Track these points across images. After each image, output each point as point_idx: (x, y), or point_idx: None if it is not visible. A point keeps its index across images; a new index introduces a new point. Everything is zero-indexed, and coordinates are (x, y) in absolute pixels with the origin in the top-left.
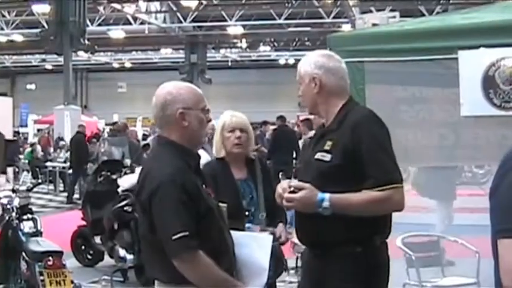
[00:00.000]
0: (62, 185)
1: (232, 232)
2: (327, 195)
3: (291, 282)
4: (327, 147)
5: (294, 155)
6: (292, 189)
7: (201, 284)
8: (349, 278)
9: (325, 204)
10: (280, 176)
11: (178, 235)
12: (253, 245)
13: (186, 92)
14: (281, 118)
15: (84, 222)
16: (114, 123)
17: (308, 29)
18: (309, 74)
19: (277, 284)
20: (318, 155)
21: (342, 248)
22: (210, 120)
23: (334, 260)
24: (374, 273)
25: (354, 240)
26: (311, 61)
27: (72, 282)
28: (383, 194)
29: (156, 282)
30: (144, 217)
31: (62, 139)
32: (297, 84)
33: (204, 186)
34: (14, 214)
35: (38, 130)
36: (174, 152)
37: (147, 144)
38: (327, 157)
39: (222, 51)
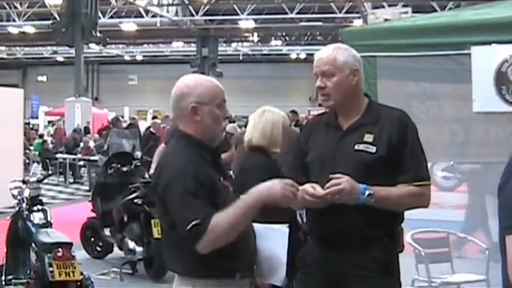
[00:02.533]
0: (72, 176)
1: (254, 225)
2: (366, 186)
3: None
4: (368, 139)
5: None
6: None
7: (230, 238)
8: (377, 266)
9: (368, 191)
10: None
11: (191, 224)
12: (273, 238)
13: (204, 87)
14: (294, 112)
15: (93, 214)
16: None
17: (320, 23)
18: (350, 65)
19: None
20: (361, 147)
21: (371, 239)
22: (228, 117)
23: (361, 251)
24: (397, 258)
25: (384, 232)
26: (350, 53)
27: (81, 273)
28: (419, 189)
29: (175, 275)
30: (162, 210)
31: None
32: (316, 76)
33: (223, 179)
34: (24, 205)
35: (49, 122)
36: (188, 145)
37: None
38: (372, 149)
39: (234, 44)
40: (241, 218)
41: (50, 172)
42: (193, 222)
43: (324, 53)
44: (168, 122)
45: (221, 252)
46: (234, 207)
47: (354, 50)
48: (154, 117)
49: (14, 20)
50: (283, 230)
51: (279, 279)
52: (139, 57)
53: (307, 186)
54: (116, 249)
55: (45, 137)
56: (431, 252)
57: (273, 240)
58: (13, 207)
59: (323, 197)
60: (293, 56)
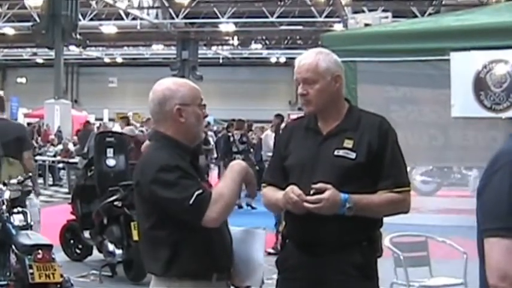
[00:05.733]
0: (51, 178)
1: (231, 227)
2: (347, 196)
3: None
4: (348, 145)
5: None
6: (313, 191)
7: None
8: (355, 271)
9: (349, 204)
10: None
11: (194, 196)
12: (250, 241)
13: (184, 88)
14: (279, 116)
15: (73, 217)
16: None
17: (300, 27)
18: (332, 71)
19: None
20: (341, 152)
21: (350, 245)
22: (206, 116)
23: (340, 256)
24: (375, 262)
25: (363, 237)
26: (332, 59)
27: (61, 275)
28: (400, 195)
29: (152, 277)
30: (145, 210)
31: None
32: (298, 82)
33: (200, 180)
34: (4, 207)
35: (28, 124)
36: (168, 145)
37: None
38: (352, 155)
39: (214, 48)
40: (238, 184)
41: (30, 174)
42: (196, 193)
43: (306, 59)
44: (149, 125)
45: (198, 252)
46: (229, 176)
47: (335, 55)
48: (127, 124)
49: None
50: (260, 232)
51: (256, 282)
52: (119, 60)
53: (295, 187)
54: (95, 251)
55: None
56: (409, 256)
57: (250, 243)
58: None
59: (303, 206)
60: (273, 59)
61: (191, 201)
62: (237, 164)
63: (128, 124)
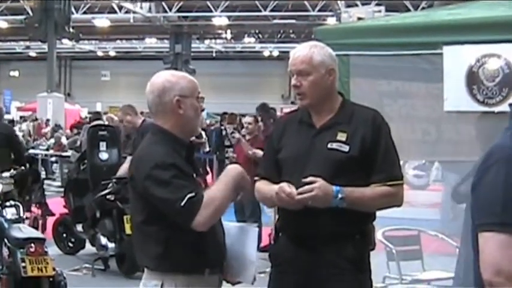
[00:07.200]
0: (44, 172)
1: (224, 222)
2: (339, 188)
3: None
4: (341, 138)
5: None
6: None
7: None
8: (348, 264)
9: (341, 195)
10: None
11: (186, 198)
12: (242, 237)
13: (184, 80)
14: (264, 107)
15: (66, 210)
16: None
17: (293, 21)
18: (326, 64)
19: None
20: (334, 145)
21: (343, 238)
22: (203, 110)
23: (333, 249)
24: (368, 255)
25: (356, 230)
26: (327, 52)
27: (54, 269)
28: (393, 189)
29: (145, 270)
30: (139, 204)
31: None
32: (292, 74)
33: (195, 176)
34: None
35: (21, 117)
36: (164, 139)
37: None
38: (345, 148)
39: (207, 41)
40: (232, 190)
41: (23, 168)
42: (188, 195)
43: (300, 52)
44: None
45: (190, 247)
46: (223, 181)
47: (329, 49)
48: (105, 113)
49: None
50: (253, 229)
51: (248, 278)
52: (112, 53)
53: (285, 185)
54: (88, 245)
55: (17, 132)
56: (402, 249)
57: (243, 239)
58: None
59: (296, 201)
60: (266, 53)
61: (182, 203)
62: (233, 169)
63: (99, 119)
